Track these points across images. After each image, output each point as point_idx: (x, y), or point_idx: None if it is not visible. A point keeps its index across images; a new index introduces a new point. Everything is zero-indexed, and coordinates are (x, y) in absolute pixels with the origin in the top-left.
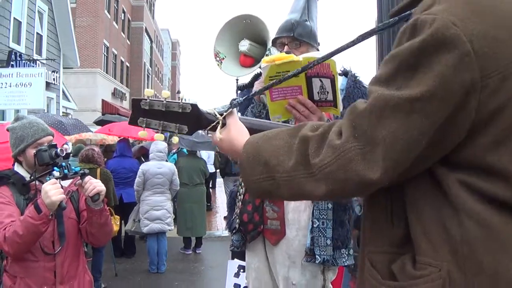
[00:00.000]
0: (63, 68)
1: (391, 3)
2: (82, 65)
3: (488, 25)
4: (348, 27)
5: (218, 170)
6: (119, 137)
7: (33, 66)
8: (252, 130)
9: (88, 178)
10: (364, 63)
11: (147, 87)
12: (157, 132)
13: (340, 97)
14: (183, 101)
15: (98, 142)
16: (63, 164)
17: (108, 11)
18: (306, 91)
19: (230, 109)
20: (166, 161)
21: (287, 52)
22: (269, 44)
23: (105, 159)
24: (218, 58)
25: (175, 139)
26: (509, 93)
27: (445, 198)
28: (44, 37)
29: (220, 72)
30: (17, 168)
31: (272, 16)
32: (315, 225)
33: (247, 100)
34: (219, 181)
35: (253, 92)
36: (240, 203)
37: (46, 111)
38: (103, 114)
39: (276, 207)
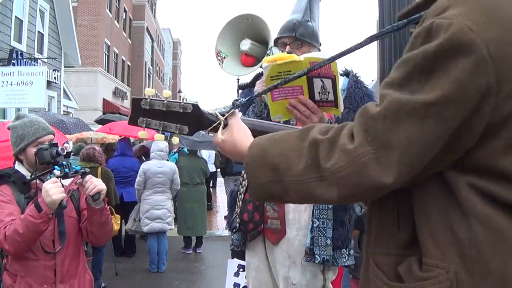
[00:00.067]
0: (64, 66)
1: (392, 4)
2: (83, 64)
3: (504, 30)
4: (350, 27)
5: (218, 170)
6: (120, 136)
7: (34, 65)
8: (254, 131)
9: (88, 177)
10: (364, 63)
11: (148, 86)
12: (157, 132)
13: (341, 97)
14: (184, 101)
15: (99, 141)
16: (64, 163)
17: (110, 10)
18: (307, 91)
19: (232, 110)
20: (167, 160)
21: (288, 52)
22: (271, 43)
23: (106, 157)
24: (219, 57)
25: (176, 140)
26: None
27: (453, 201)
28: (45, 35)
29: (222, 71)
30: (18, 166)
31: (273, 16)
32: (315, 225)
33: (249, 101)
34: (220, 180)
35: (255, 91)
36: (240, 202)
37: (47, 109)
38: (104, 113)
39: (277, 207)
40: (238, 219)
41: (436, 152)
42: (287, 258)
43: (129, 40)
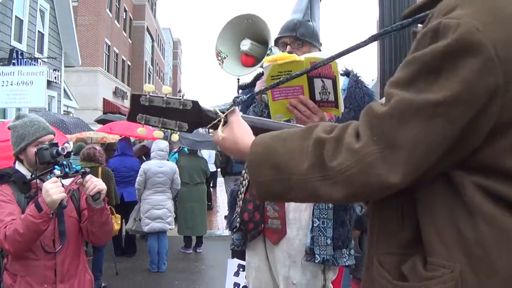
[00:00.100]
0: (65, 66)
1: (393, 4)
2: (84, 63)
3: (510, 30)
4: (350, 27)
5: (219, 169)
6: (120, 136)
7: (34, 65)
8: (253, 129)
9: (89, 177)
10: (364, 63)
11: None
12: (156, 129)
13: (341, 97)
14: (184, 98)
15: (99, 140)
16: (64, 162)
17: (110, 10)
18: (307, 91)
19: (233, 107)
20: (167, 160)
21: (289, 52)
22: (271, 43)
23: (106, 157)
24: (219, 57)
25: (175, 137)
26: None
27: (459, 200)
28: (45, 35)
29: (222, 71)
30: (18, 166)
31: (273, 16)
32: (315, 225)
33: (250, 99)
34: (220, 180)
35: (255, 91)
36: (241, 202)
37: (47, 109)
38: (104, 113)
39: (277, 206)
40: (238, 219)
41: (443, 152)
42: (287, 258)
43: (129, 39)
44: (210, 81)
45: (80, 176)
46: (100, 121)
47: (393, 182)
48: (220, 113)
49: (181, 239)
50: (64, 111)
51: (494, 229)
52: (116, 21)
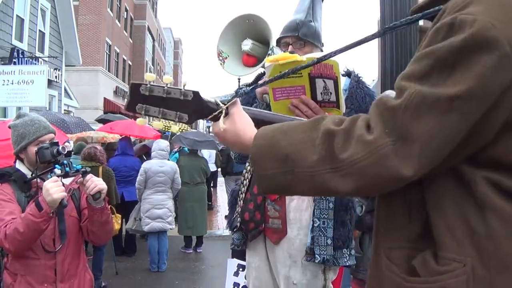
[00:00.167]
0: (65, 66)
1: (394, 4)
2: (84, 63)
3: None
4: (350, 28)
5: (219, 169)
6: (120, 135)
7: (35, 64)
8: (254, 121)
9: (89, 176)
10: (365, 63)
11: None
12: (156, 120)
13: (343, 98)
14: (185, 88)
15: (99, 140)
16: (65, 162)
17: (111, 9)
18: (309, 91)
19: (235, 98)
20: (168, 159)
21: (291, 52)
22: (272, 43)
23: (106, 157)
24: (221, 57)
25: (175, 128)
26: None
27: (469, 195)
28: (46, 34)
29: (223, 71)
30: (19, 165)
31: (275, 16)
32: (315, 225)
33: (251, 99)
34: (220, 180)
35: (256, 92)
36: (241, 201)
37: (48, 108)
38: (105, 113)
39: (278, 206)
40: (239, 219)
41: (456, 146)
42: (288, 258)
43: (130, 39)
44: (211, 81)
45: (80, 175)
46: (101, 120)
47: (406, 175)
48: (221, 104)
49: (181, 239)
50: (64, 110)
51: (505, 224)
52: (117, 21)
